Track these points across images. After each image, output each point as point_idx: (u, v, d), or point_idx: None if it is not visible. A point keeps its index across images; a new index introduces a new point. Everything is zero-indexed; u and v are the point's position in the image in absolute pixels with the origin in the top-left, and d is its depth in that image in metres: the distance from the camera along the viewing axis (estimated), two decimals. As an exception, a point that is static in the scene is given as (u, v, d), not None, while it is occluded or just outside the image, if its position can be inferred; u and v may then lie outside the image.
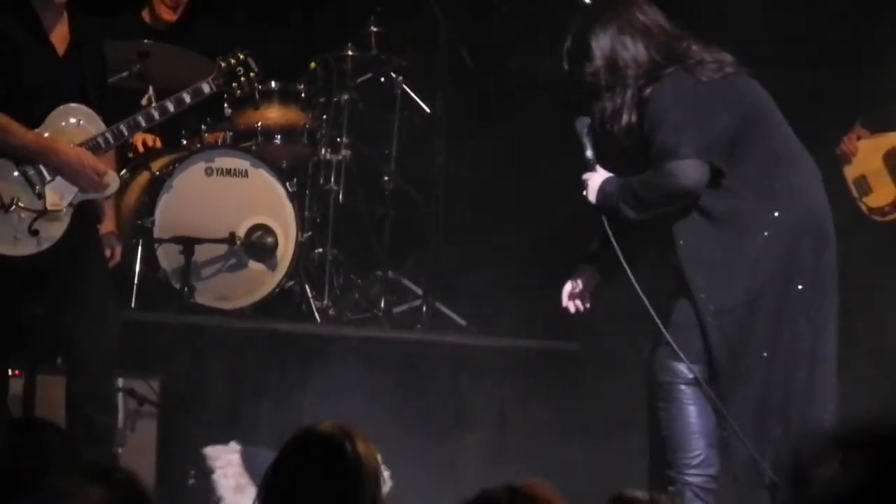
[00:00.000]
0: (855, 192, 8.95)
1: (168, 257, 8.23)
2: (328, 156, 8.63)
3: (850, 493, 1.15)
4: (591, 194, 6.63)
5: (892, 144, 8.98)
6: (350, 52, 8.70)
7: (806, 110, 8.82)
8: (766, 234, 6.43)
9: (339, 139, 8.64)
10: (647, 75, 6.43)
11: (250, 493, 6.48)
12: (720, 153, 6.33)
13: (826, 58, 9.10)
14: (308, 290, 8.52)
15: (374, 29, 8.72)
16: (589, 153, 6.63)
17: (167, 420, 7.66)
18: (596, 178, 6.61)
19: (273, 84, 8.55)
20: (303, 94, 8.59)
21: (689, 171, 6.39)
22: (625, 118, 6.45)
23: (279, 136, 8.58)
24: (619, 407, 7.96)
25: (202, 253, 8.21)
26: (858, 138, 8.95)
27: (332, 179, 8.66)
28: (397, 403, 7.96)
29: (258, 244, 8.28)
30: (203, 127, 8.54)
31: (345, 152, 8.66)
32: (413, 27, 8.98)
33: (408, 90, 8.77)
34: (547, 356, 8.67)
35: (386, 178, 8.84)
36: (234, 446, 7.21)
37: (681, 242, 6.46)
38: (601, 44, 6.50)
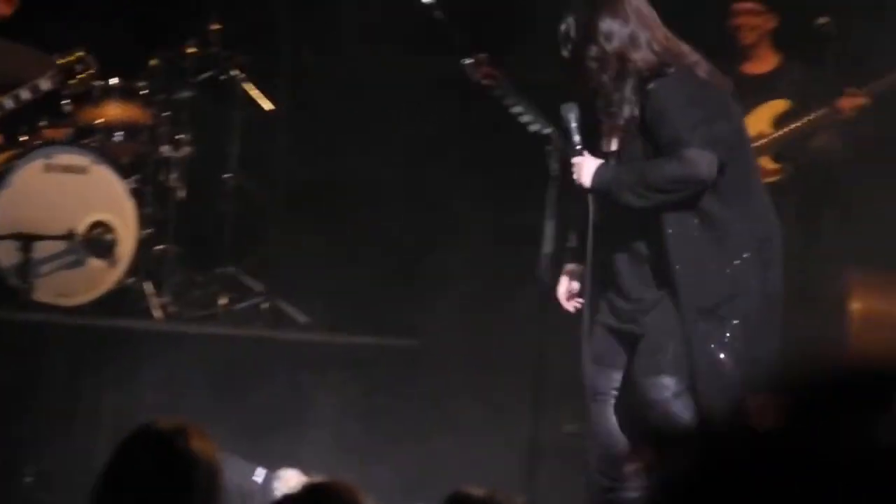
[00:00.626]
0: None
1: (6, 254, 8.19)
2: (169, 153, 8.64)
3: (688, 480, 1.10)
4: (586, 177, 6.67)
5: None
6: (191, 50, 8.72)
7: None
8: (745, 255, 6.58)
9: (179, 136, 8.65)
10: (651, 69, 6.54)
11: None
12: (723, 154, 6.48)
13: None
14: (148, 287, 8.53)
15: (215, 27, 8.74)
16: (577, 138, 6.70)
17: (2, 417, 7.65)
18: (589, 162, 6.68)
19: (113, 81, 8.54)
20: (143, 92, 8.60)
21: (705, 160, 6.51)
22: (627, 109, 6.52)
23: (120, 133, 8.59)
24: (456, 403, 8.09)
25: (41, 250, 8.20)
26: None
27: (173, 176, 8.66)
28: (237, 400, 7.98)
29: (98, 241, 8.31)
30: (42, 123, 8.50)
31: (186, 149, 8.66)
32: (254, 24, 9.02)
33: (248, 87, 8.82)
34: (386, 353, 8.72)
35: (227, 174, 8.88)
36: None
37: (669, 231, 6.55)
38: (613, 31, 6.59)
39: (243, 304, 8.88)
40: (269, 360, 8.35)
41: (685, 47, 6.65)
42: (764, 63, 9.10)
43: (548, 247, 7.42)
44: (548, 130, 7.67)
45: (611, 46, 6.56)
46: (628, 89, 6.60)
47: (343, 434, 8.25)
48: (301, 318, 8.86)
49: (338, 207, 9.58)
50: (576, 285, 6.91)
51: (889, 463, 0.99)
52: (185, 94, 8.69)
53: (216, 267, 8.88)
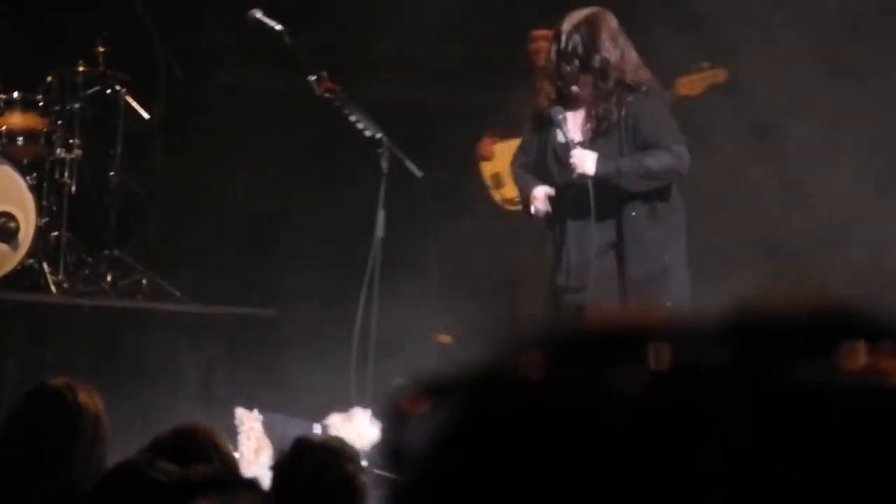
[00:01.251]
0: (491, 185, 9.12)
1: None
2: (63, 155, 8.62)
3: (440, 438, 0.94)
4: (589, 166, 6.75)
5: None
6: (81, 68, 8.71)
7: (453, 118, 9.16)
8: (681, 241, 6.92)
9: (71, 141, 8.64)
10: (635, 83, 6.77)
11: (266, 455, 6.60)
12: None
13: (471, 74, 9.39)
14: (46, 266, 8.53)
15: (101, 49, 8.71)
16: (570, 135, 6.81)
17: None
18: (589, 154, 6.76)
19: (15, 94, 8.58)
20: (41, 103, 8.62)
21: (686, 156, 6.78)
22: (615, 113, 6.73)
23: (21, 138, 8.60)
24: (310, 369, 7.99)
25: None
26: (493, 142, 9.09)
27: (66, 174, 8.64)
28: (123, 362, 7.98)
29: (2, 228, 8.29)
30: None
31: (77, 152, 8.66)
32: (134, 47, 8.98)
33: (129, 100, 8.80)
34: (247, 321, 8.69)
35: (112, 173, 8.87)
36: (257, 415, 7.23)
37: (633, 214, 6.77)
38: (611, 49, 6.76)
39: (126, 281, 8.84)
40: (149, 327, 8.31)
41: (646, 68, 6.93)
42: None
43: (380, 231, 7.64)
44: (378, 135, 7.76)
45: (610, 61, 6.75)
46: (615, 98, 6.78)
47: (210, 389, 8.23)
48: (175, 291, 8.86)
49: (205, 199, 9.51)
50: (552, 190, 7.02)
51: (632, 415, 0.87)
52: (77, 105, 8.66)
53: (103, 250, 8.85)
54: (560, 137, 6.92)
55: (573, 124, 6.92)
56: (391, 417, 0.93)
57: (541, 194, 7.02)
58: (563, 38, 6.82)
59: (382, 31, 9.13)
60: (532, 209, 7.05)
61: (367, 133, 7.83)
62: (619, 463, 0.84)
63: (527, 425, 0.88)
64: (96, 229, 8.94)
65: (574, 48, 6.79)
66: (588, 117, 6.92)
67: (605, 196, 6.80)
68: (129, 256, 8.93)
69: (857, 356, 0.86)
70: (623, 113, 6.83)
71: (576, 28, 6.84)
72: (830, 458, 0.83)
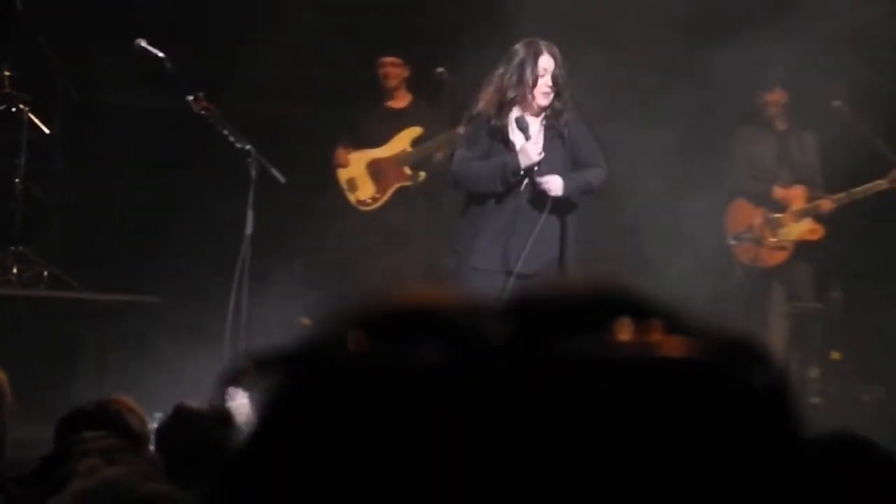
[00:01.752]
0: (347, 189, 9.10)
1: None
2: None
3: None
4: (557, 189, 6.80)
5: (371, 157, 9.10)
6: None
7: (312, 132, 9.17)
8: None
9: None
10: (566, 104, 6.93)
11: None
12: None
13: (326, 93, 9.42)
14: None
15: (7, 73, 8.60)
16: (538, 145, 6.84)
17: None
18: (555, 177, 6.81)
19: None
20: None
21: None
22: (565, 129, 6.91)
23: None
24: (191, 351, 7.81)
25: None
26: (347, 152, 9.09)
27: None
28: (28, 345, 7.92)
29: None
30: None
31: None
32: (35, 71, 8.82)
33: (32, 117, 8.66)
34: (136, 307, 8.57)
35: (17, 180, 8.71)
36: (244, 393, 6.93)
37: (570, 216, 6.91)
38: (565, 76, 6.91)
39: (30, 273, 8.64)
40: (51, 314, 8.26)
41: None
42: (402, 101, 9.14)
43: (249, 228, 7.67)
44: (247, 147, 7.72)
45: (565, 87, 6.94)
46: (564, 114, 6.95)
47: (104, 369, 8.14)
48: (74, 282, 8.67)
49: (100, 202, 9.40)
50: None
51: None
52: (-15, 122, 8.44)
53: (9, 246, 8.67)
54: (521, 142, 6.90)
55: (533, 131, 6.96)
56: (218, 389, 0.87)
57: (528, 146, 6.91)
58: (558, 59, 6.92)
59: (249, 56, 9.11)
60: (536, 155, 6.89)
61: (238, 145, 7.82)
62: (416, 431, 0.82)
63: (336, 396, 0.85)
64: (4, 229, 8.81)
65: (561, 72, 6.92)
66: (546, 129, 6.99)
67: (556, 202, 6.91)
68: (33, 252, 8.79)
69: (627, 331, 0.85)
70: (567, 129, 6.95)
71: (556, 51, 6.99)
72: (600, 420, 0.82)
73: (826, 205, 8.72)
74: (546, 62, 6.86)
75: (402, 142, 9.07)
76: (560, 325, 0.85)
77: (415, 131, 9.08)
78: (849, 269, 8.83)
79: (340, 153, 9.13)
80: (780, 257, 8.77)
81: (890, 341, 8.57)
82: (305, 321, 9.07)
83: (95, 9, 9.28)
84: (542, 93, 6.88)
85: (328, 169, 9.17)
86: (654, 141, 8.41)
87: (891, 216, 8.80)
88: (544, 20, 8.23)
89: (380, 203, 9.09)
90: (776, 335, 8.55)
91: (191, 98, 7.91)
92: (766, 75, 8.79)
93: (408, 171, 9.05)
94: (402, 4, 9.46)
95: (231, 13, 9.36)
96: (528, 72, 6.86)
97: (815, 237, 8.79)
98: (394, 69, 9.07)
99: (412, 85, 9.19)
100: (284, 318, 8.69)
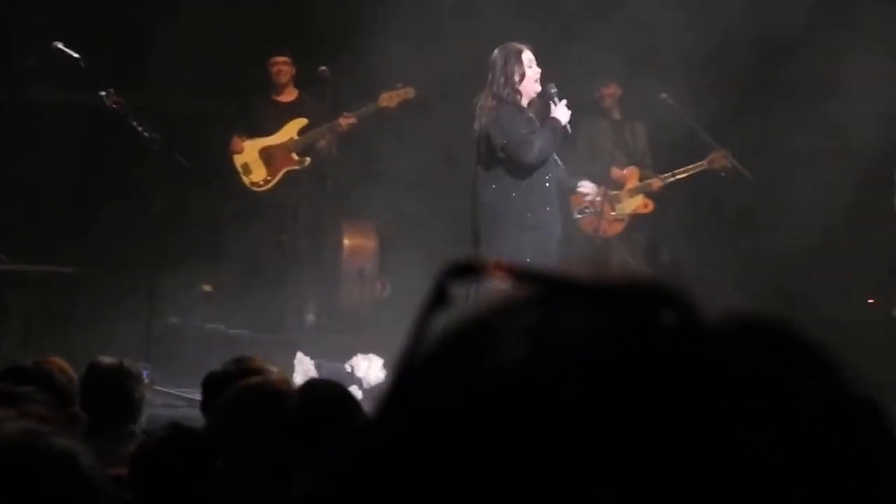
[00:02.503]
0: (242, 173, 9.40)
1: None
2: None
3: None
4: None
5: (263, 145, 9.43)
6: None
7: (212, 122, 9.39)
8: None
9: None
10: None
11: None
12: None
13: (225, 88, 9.62)
14: None
15: None
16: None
17: None
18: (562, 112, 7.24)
19: None
20: None
21: None
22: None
23: None
24: (111, 318, 8.02)
25: None
26: (241, 140, 9.37)
27: None
28: None
29: None
30: None
31: None
32: None
33: None
34: (59, 277, 8.61)
35: None
36: (310, 360, 7.46)
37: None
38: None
39: None
40: None
41: None
42: (290, 95, 9.49)
43: (157, 207, 8.33)
44: (155, 136, 8.07)
45: None
46: None
47: (30, 333, 8.30)
48: (3, 256, 8.72)
49: (27, 185, 9.45)
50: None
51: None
52: None
53: None
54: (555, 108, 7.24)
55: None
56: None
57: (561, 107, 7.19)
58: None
59: (156, 54, 9.35)
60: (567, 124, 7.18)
61: (146, 135, 8.14)
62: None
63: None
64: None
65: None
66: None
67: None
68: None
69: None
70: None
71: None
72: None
73: (655, 183, 9.39)
74: (529, 56, 7.14)
75: (290, 131, 9.40)
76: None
77: (301, 122, 9.42)
78: (675, 236, 9.48)
79: (236, 141, 9.44)
80: (617, 228, 9.30)
81: (715, 298, 9.31)
82: (206, 286, 9.62)
83: (18, 11, 9.48)
84: (535, 80, 7.16)
85: (226, 155, 9.48)
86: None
87: (709, 192, 9.49)
88: (419, 21, 8.82)
89: (271, 185, 9.43)
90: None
91: (104, 94, 8.18)
92: (602, 71, 9.22)
93: (295, 156, 9.42)
94: (290, 9, 9.81)
95: (141, 16, 9.65)
96: (514, 70, 7.09)
97: (646, 210, 9.39)
98: (285, 67, 9.44)
99: (298, 81, 9.52)
100: (188, 284, 9.30)
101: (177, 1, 9.70)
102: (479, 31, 8.32)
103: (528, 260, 6.55)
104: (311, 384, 2.97)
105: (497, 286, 0.70)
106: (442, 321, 0.71)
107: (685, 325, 0.70)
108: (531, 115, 7.25)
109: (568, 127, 7.26)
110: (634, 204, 9.40)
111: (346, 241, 9.67)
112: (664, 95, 9.18)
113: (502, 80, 7.09)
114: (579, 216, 9.02)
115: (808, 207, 8.91)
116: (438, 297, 0.71)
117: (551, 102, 7.26)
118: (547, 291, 0.70)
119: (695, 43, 8.78)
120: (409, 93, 9.25)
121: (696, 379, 0.68)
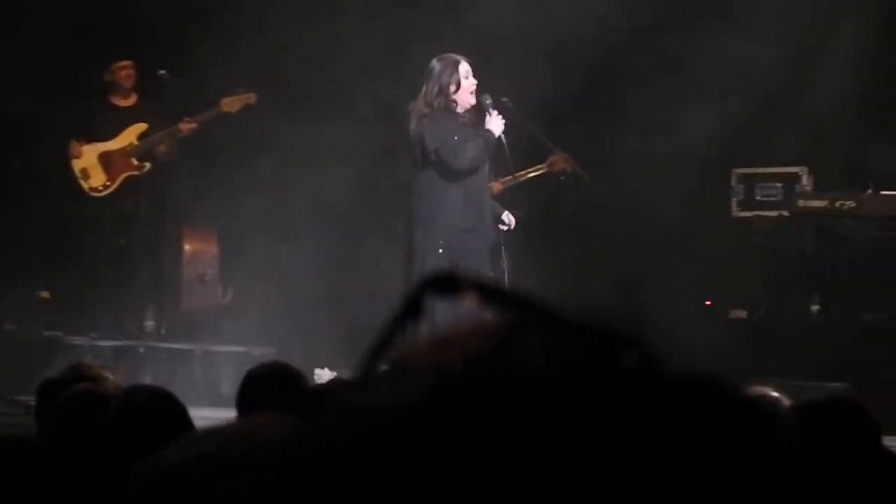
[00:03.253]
0: (80, 177, 9.31)
1: None
2: None
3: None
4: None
5: (102, 149, 9.36)
6: None
7: (49, 127, 9.35)
8: None
9: None
10: None
11: None
12: None
13: (61, 93, 9.51)
14: None
15: None
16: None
17: None
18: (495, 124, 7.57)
19: None
20: None
21: None
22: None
23: None
24: None
25: None
26: (80, 145, 9.33)
27: None
28: None
29: None
30: None
31: None
32: None
33: None
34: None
35: None
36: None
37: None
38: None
39: None
40: None
41: None
42: (130, 99, 9.47)
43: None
44: None
45: None
46: None
47: None
48: None
49: None
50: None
51: None
52: None
53: None
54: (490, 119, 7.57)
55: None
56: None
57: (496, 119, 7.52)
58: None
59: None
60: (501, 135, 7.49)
61: None
62: None
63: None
64: None
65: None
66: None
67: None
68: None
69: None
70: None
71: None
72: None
73: (497, 187, 9.21)
74: (466, 67, 7.43)
75: (129, 136, 9.41)
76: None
77: (140, 127, 9.42)
78: (515, 239, 9.18)
79: (74, 146, 9.39)
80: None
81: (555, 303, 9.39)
82: (44, 293, 9.59)
83: None
84: (470, 92, 7.47)
85: (63, 159, 9.40)
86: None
87: (547, 194, 9.61)
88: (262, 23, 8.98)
89: (110, 190, 9.40)
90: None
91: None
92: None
93: (135, 161, 9.42)
94: (131, 12, 9.73)
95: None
96: (451, 80, 7.39)
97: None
98: (127, 72, 9.47)
99: (138, 85, 9.55)
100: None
101: (9, 4, 9.64)
102: (331, 24, 8.66)
103: (458, 262, 7.05)
104: (132, 389, 3.02)
105: (468, 304, 0.73)
106: (412, 330, 0.74)
107: (645, 369, 0.75)
108: (465, 121, 7.56)
109: (502, 137, 7.60)
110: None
111: (186, 247, 9.64)
112: (504, 99, 9.07)
113: (436, 88, 7.38)
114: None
115: (646, 210, 9.03)
116: (412, 307, 0.74)
117: (486, 113, 7.60)
118: (519, 319, 0.74)
119: (535, 46, 8.90)
120: (251, 98, 9.35)
121: (657, 420, 0.74)
